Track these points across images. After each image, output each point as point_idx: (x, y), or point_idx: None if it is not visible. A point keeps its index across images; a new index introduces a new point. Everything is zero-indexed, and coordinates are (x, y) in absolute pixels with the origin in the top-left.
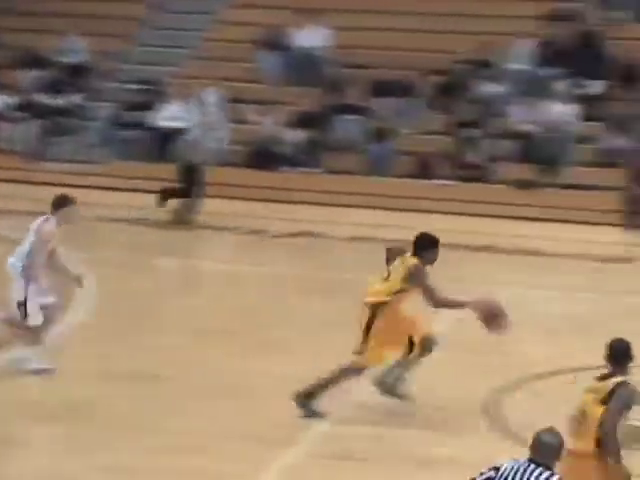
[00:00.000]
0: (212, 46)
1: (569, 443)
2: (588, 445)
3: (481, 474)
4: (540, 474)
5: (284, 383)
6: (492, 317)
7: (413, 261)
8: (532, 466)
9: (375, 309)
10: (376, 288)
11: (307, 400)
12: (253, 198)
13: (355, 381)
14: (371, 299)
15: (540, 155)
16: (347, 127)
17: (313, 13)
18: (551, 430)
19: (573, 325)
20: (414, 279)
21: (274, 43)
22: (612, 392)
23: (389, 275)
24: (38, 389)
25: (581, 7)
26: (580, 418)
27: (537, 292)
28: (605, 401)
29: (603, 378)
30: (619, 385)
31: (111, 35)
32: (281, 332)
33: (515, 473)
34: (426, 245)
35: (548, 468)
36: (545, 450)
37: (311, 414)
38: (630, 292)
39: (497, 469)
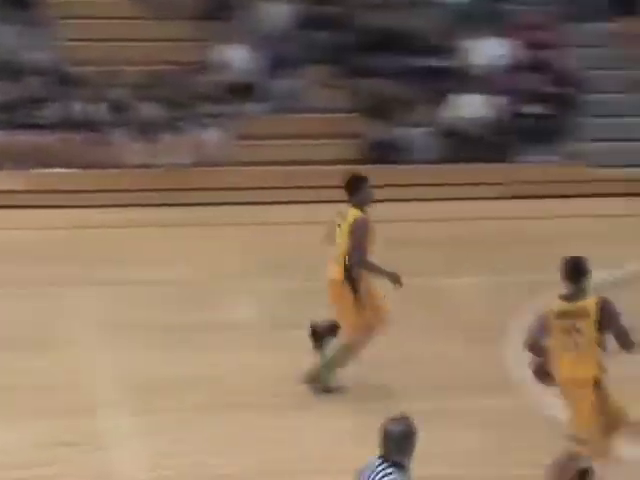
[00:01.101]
0: None
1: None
2: (589, 371)
3: None
4: (383, 475)
5: None
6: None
7: (356, 212)
8: (379, 462)
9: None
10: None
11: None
12: None
13: None
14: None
15: None
16: None
17: None
18: (398, 418)
19: None
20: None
21: None
22: (602, 311)
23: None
24: None
25: None
26: (574, 344)
27: None
28: (600, 322)
29: (570, 299)
30: (603, 301)
31: None
32: None
33: (362, 474)
34: (356, 186)
35: (396, 464)
36: (390, 442)
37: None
38: None
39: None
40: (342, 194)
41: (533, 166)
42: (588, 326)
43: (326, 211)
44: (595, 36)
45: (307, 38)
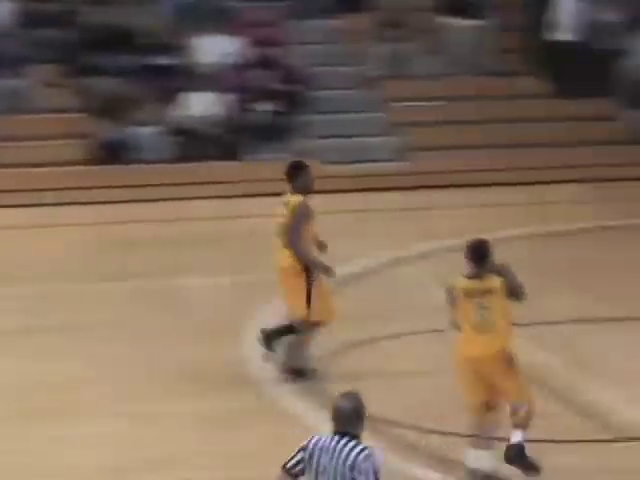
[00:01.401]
0: None
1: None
2: (497, 345)
3: (292, 458)
4: (350, 449)
5: None
6: None
7: (296, 199)
8: (337, 439)
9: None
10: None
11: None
12: None
13: None
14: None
15: None
16: None
17: None
18: (347, 394)
19: None
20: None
21: None
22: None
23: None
24: None
25: None
26: (482, 320)
27: None
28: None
29: (476, 277)
30: (503, 266)
31: None
32: None
33: (321, 450)
34: (295, 173)
35: (354, 437)
36: (343, 418)
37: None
38: None
39: (304, 449)
40: (70, 195)
41: (264, 164)
42: (496, 302)
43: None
44: (320, 33)
45: (30, 36)
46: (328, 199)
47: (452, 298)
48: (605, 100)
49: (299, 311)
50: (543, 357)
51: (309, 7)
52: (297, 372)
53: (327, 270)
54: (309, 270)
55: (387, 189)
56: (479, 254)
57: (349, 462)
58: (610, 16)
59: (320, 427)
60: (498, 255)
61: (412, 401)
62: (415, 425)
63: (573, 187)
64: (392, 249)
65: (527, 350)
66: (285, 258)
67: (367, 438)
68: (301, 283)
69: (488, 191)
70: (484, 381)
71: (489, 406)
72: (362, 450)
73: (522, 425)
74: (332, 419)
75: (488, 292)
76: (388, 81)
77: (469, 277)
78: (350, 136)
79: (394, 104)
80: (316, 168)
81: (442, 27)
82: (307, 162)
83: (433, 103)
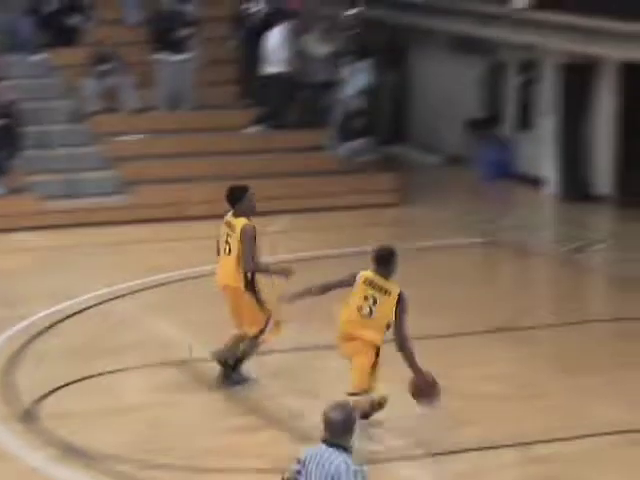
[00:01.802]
0: None
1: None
2: (376, 335)
3: (291, 470)
4: (331, 460)
5: None
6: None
7: (242, 222)
8: (324, 448)
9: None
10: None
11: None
12: None
13: None
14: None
15: None
16: None
17: None
18: (338, 406)
19: None
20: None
21: None
22: (399, 299)
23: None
24: None
25: None
26: (368, 310)
27: None
28: (397, 305)
29: (381, 275)
30: (401, 294)
31: None
32: None
33: (311, 458)
34: (237, 197)
35: (343, 448)
36: (332, 428)
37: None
38: None
39: (299, 460)
40: None
41: None
42: (386, 303)
43: None
44: (32, 67)
45: None
46: (47, 235)
47: (350, 279)
48: (317, 131)
49: (256, 325)
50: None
51: (20, 41)
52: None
53: (286, 271)
54: (253, 285)
55: (104, 223)
56: (383, 258)
57: (331, 472)
58: (321, 49)
59: (40, 466)
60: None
61: (134, 435)
62: (140, 459)
63: (290, 217)
64: (112, 284)
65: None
66: (232, 277)
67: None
68: (250, 298)
69: (207, 224)
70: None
71: None
72: (345, 462)
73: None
74: (324, 429)
75: (386, 292)
76: (101, 115)
77: (376, 272)
78: (65, 171)
79: (108, 138)
80: (33, 204)
81: (153, 61)
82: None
83: (147, 136)
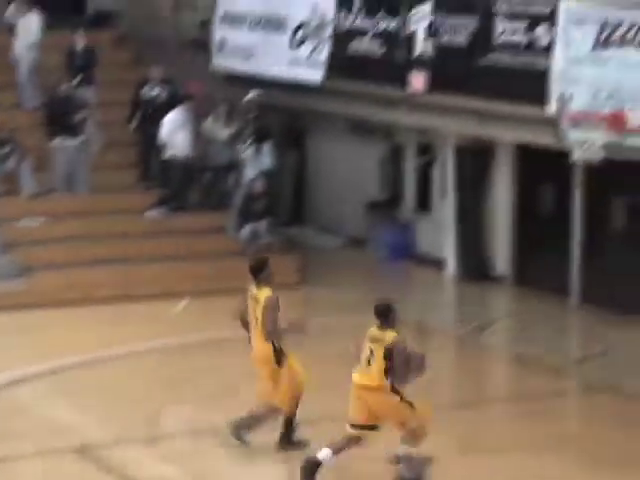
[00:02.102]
0: None
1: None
2: (375, 381)
3: None
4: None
5: None
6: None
7: (266, 293)
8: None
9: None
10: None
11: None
12: None
13: None
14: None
15: None
16: None
17: None
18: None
19: None
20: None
21: None
22: (392, 344)
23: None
24: None
25: None
26: (368, 358)
27: None
28: (389, 350)
29: (379, 328)
30: (396, 339)
31: None
32: None
33: None
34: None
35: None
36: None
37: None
38: None
39: None
40: None
41: None
42: (378, 350)
43: None
44: None
45: None
46: None
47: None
48: (218, 213)
49: (285, 402)
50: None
51: None
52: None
53: (300, 328)
54: (278, 353)
55: (2, 308)
56: (378, 311)
57: None
58: (221, 132)
59: None
60: (116, 370)
61: None
62: None
63: (187, 299)
64: (8, 370)
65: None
66: (262, 348)
67: None
68: (276, 367)
69: (108, 308)
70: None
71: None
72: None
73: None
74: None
75: (379, 342)
76: None
77: (376, 326)
78: None
79: (6, 223)
80: None
81: (49, 146)
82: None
83: (46, 220)
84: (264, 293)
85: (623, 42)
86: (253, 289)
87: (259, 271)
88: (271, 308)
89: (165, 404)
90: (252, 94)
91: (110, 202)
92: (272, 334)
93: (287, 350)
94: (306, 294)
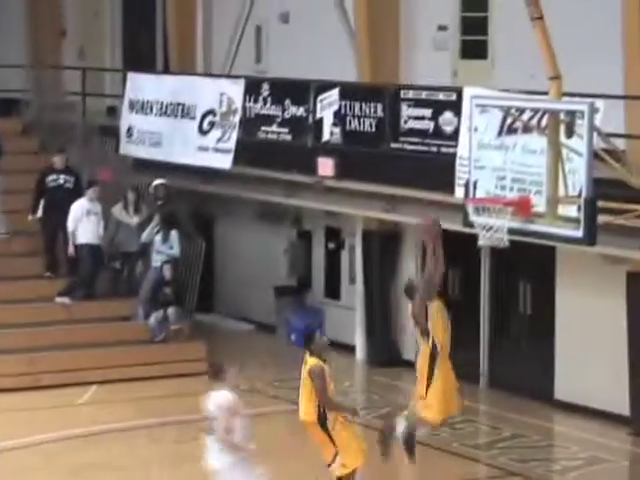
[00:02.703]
0: None
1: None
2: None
3: None
4: None
5: None
6: None
7: (312, 362)
8: None
9: None
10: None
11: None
12: None
13: None
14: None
15: None
16: None
17: None
18: None
19: None
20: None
21: None
22: (310, 368)
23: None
24: None
25: None
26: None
27: None
28: (308, 373)
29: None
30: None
31: None
32: None
33: None
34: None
35: None
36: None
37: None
38: None
39: None
40: None
41: None
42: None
43: None
44: None
45: None
46: None
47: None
48: (127, 300)
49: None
50: None
51: None
52: None
53: (354, 412)
54: (325, 420)
55: None
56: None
57: None
58: (129, 218)
59: None
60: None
61: None
62: None
63: (99, 388)
64: None
65: None
66: (306, 411)
67: None
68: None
69: (12, 396)
70: None
71: None
72: None
73: None
74: None
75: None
76: None
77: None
78: None
79: None
80: None
81: None
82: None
83: None
84: (311, 361)
85: (526, 129)
86: (307, 356)
87: (308, 343)
88: (316, 376)
89: None
90: (159, 181)
91: (17, 290)
92: (322, 400)
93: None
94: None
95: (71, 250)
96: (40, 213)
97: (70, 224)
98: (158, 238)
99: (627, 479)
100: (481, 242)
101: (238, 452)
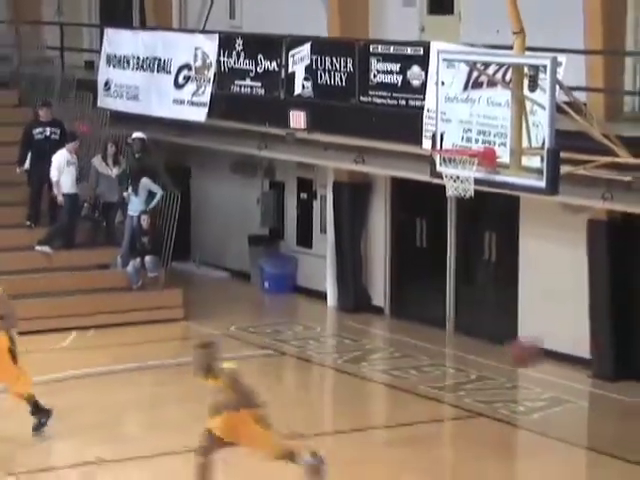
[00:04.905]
0: None
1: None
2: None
3: None
4: None
5: None
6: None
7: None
8: None
9: None
10: None
11: None
12: None
13: None
14: None
15: None
16: None
17: None
18: None
19: None
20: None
21: None
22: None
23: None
24: None
25: None
26: None
27: None
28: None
29: None
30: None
31: None
32: None
33: None
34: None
35: None
36: None
37: None
38: None
39: None
40: None
41: None
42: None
43: None
44: None
45: None
46: None
47: None
48: (105, 249)
49: None
50: None
51: None
52: None
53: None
54: None
55: None
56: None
57: None
58: (107, 170)
59: None
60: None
61: None
62: None
63: (79, 334)
64: None
65: None
66: None
67: None
68: None
69: None
70: None
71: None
72: None
73: None
74: None
75: None
76: None
77: None
78: None
79: None
80: None
81: None
82: None
83: None
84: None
85: (491, 82)
86: None
87: None
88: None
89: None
90: (137, 134)
91: None
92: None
93: None
94: (191, 328)
95: (60, 199)
96: (27, 165)
97: (54, 173)
98: (136, 188)
99: (587, 419)
100: (448, 192)
101: None
